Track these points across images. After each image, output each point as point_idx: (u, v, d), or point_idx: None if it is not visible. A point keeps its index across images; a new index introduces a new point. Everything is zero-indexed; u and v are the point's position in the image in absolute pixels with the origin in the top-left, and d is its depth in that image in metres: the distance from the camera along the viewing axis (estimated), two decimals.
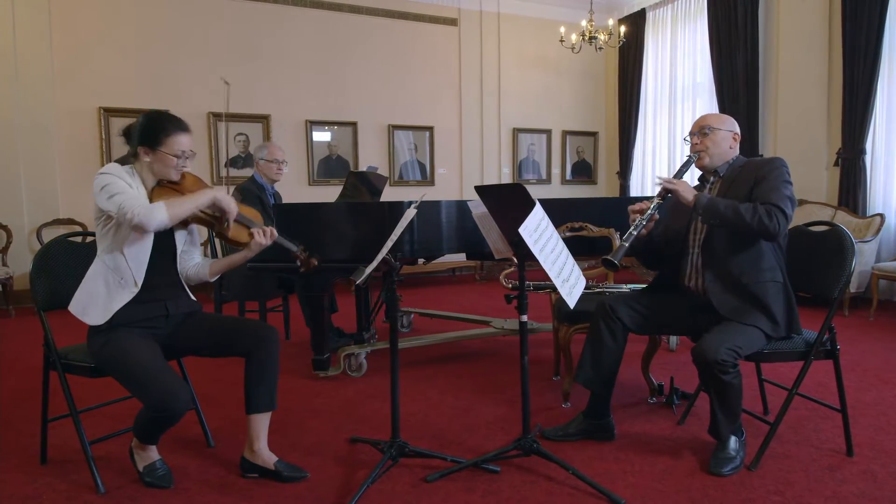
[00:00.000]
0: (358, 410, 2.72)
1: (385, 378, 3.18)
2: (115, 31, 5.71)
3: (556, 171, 7.98)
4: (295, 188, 6.42)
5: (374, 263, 1.82)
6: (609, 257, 2.06)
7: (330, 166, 6.69)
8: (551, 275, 1.65)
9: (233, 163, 6.28)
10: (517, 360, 3.53)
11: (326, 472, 2.11)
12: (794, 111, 5.70)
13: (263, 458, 2.06)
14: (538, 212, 1.70)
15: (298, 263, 2.20)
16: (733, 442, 2.13)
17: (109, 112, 5.69)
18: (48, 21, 5.44)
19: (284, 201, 3.92)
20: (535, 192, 7.71)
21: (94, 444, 2.22)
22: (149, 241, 2.00)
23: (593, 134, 8.13)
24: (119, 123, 5.78)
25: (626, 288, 2.92)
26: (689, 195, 2.16)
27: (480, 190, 2.14)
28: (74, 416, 2.07)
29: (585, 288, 2.90)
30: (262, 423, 2.08)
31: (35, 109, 5.38)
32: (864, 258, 4.69)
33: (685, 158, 2.35)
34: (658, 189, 2.23)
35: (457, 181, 7.36)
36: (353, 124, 6.74)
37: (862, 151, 5.07)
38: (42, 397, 2.19)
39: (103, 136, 5.67)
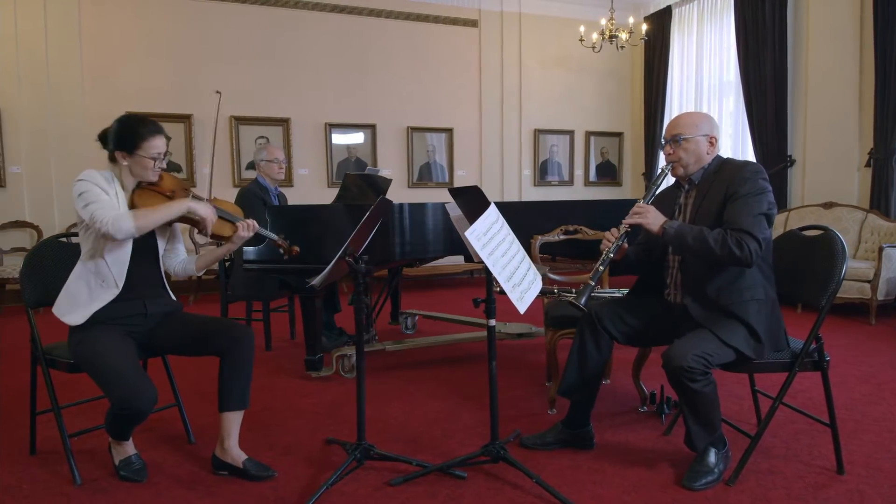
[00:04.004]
0: (342, 412, 2.73)
1: (378, 380, 3.20)
2: (141, 39, 5.92)
3: (578, 172, 7.85)
4: (314, 190, 6.52)
5: (330, 266, 1.82)
6: (573, 300, 2.00)
7: (349, 168, 6.75)
8: (500, 280, 1.62)
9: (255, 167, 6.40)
10: (511, 364, 3.48)
11: (294, 472, 2.12)
12: (824, 110, 5.45)
13: (233, 456, 2.09)
14: (490, 215, 1.67)
15: (282, 251, 2.30)
16: (712, 455, 2.04)
17: None
18: (78, 30, 5.68)
19: (302, 203, 3.99)
20: (558, 193, 7.63)
21: (82, 437, 2.32)
22: (129, 244, 2.05)
23: (618, 134, 7.97)
24: None
25: (617, 293, 2.84)
26: (657, 224, 2.07)
27: (454, 192, 2.13)
28: (56, 410, 2.14)
29: (577, 292, 2.85)
30: (233, 421, 2.11)
31: (66, 115, 5.63)
32: (894, 264, 4.44)
33: (658, 171, 2.26)
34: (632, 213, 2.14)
35: (476, 183, 7.31)
36: (372, 126, 6.79)
37: (895, 151, 4.81)
38: (30, 391, 2.29)
39: None
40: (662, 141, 2.23)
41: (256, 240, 3.10)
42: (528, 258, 1.81)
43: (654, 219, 2.09)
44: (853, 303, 4.54)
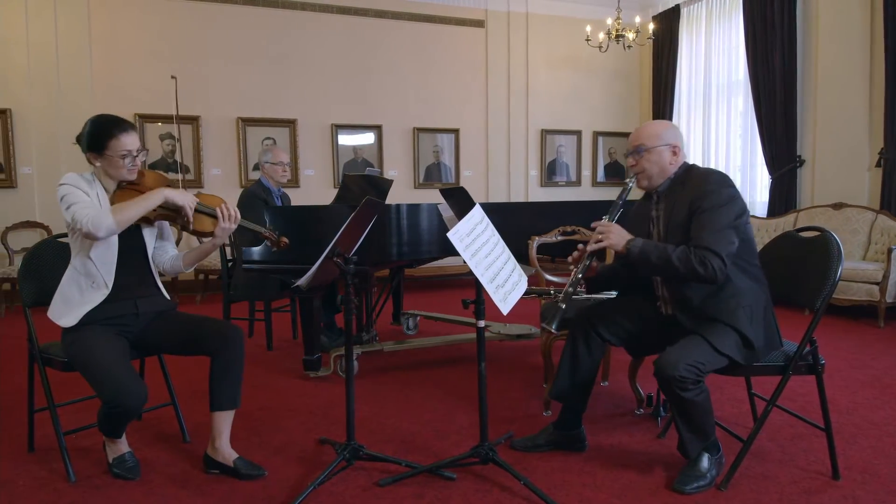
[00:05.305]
0: (337, 412, 2.73)
1: (376, 380, 3.21)
2: (150, 41, 5.99)
3: (586, 172, 7.80)
4: (320, 191, 6.55)
5: (315, 267, 1.83)
6: (545, 325, 1.96)
7: (356, 169, 6.78)
8: (483, 280, 1.61)
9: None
10: (509, 365, 3.47)
11: (285, 472, 2.13)
12: (834, 110, 5.37)
13: (224, 455, 2.10)
14: (475, 216, 1.66)
15: (269, 244, 2.28)
16: (705, 460, 2.01)
17: (144, 118, 5.97)
18: (88, 33, 5.76)
19: (306, 204, 4.02)
20: (565, 194, 7.60)
21: (80, 435, 2.35)
22: (114, 243, 2.07)
23: (626, 135, 7.90)
24: (154, 129, 6.08)
25: (614, 294, 2.82)
26: (620, 244, 2.03)
27: (445, 193, 2.13)
28: (51, 407, 2.18)
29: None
30: (224, 420, 2.12)
31: (76, 117, 5.63)
32: None
33: (623, 183, 2.19)
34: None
35: (482, 183, 7.32)
36: (379, 127, 6.81)
37: None
38: (28, 389, 2.33)
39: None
40: (626, 153, 2.19)
41: (251, 236, 3.12)
42: (513, 259, 1.80)
43: (617, 238, 2.05)
44: (861, 305, 4.47)
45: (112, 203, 2.05)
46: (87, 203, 1.97)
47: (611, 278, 2.28)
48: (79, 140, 2.11)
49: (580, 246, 2.11)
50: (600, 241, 2.05)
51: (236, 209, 2.16)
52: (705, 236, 1.93)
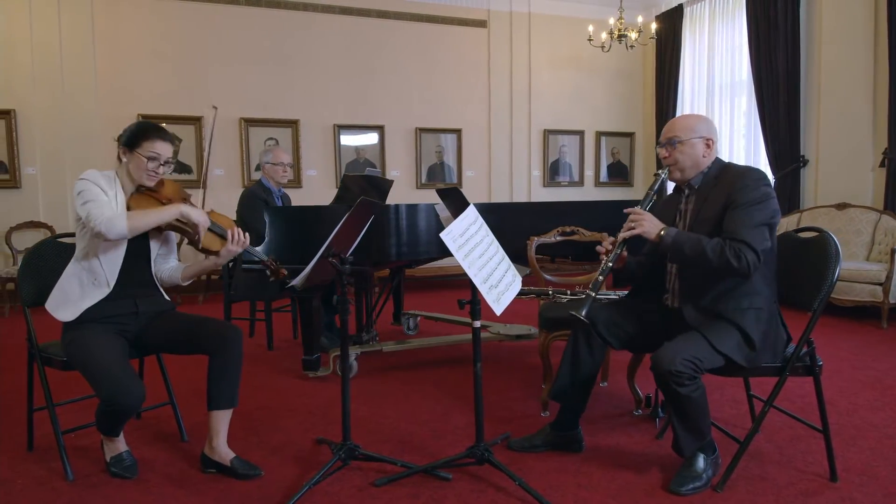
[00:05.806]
0: (336, 412, 2.71)
1: (375, 380, 3.21)
2: (153, 42, 6.01)
3: (589, 173, 7.79)
4: (322, 191, 6.56)
5: (310, 267, 1.83)
6: (574, 312, 1.94)
7: (358, 169, 6.78)
8: (476, 281, 1.61)
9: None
10: (509, 365, 3.47)
11: (281, 472, 2.14)
12: (837, 109, 5.34)
13: (221, 455, 2.11)
14: (468, 216, 1.66)
15: (268, 273, 2.27)
16: (701, 460, 2.01)
17: (148, 119, 6.00)
18: (92, 33, 5.79)
19: (311, 205, 4.02)
20: (568, 194, 7.60)
21: (79, 434, 2.36)
22: (123, 245, 2.09)
23: (629, 135, 7.90)
24: None
25: (615, 295, 2.81)
26: (653, 232, 2.02)
27: (442, 193, 2.13)
28: (50, 406, 2.19)
29: (572, 294, 2.83)
30: (222, 419, 2.13)
31: (79, 117, 5.74)
32: None
33: (654, 176, 2.19)
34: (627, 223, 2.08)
35: (485, 184, 7.32)
36: (381, 128, 6.81)
37: None
38: (27, 388, 2.34)
39: None
40: (658, 145, 2.19)
41: (252, 236, 3.12)
42: (507, 259, 1.80)
43: (650, 226, 2.03)
44: (864, 305, 4.45)
45: (127, 206, 2.08)
46: (103, 202, 2.00)
47: (635, 270, 2.26)
48: (119, 138, 2.16)
49: (609, 238, 2.11)
50: (632, 228, 2.04)
51: (246, 234, 2.18)
52: (741, 230, 1.91)
